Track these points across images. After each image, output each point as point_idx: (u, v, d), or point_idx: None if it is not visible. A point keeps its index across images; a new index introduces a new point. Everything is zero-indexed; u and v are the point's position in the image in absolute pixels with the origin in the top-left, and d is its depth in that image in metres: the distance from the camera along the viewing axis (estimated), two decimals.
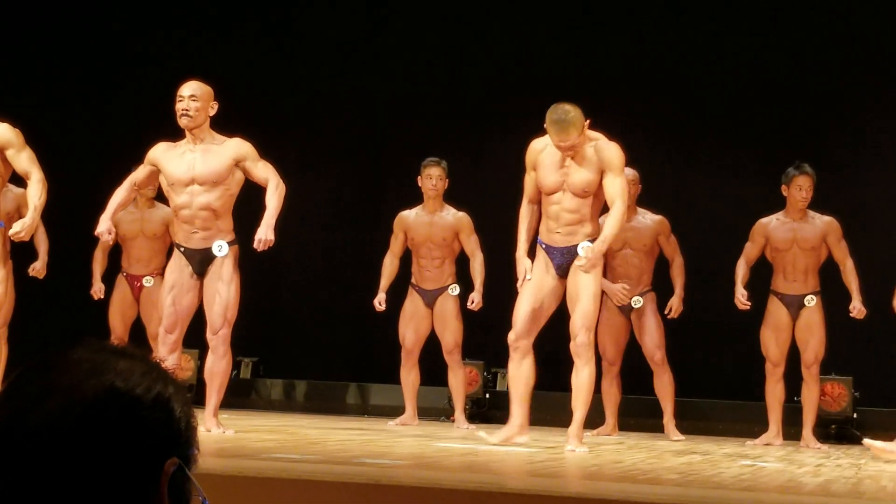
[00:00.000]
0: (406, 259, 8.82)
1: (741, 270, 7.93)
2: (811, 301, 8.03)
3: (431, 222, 8.66)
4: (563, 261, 6.50)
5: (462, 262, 8.72)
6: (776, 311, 8.03)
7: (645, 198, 8.45)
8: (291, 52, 10.65)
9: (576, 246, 6.47)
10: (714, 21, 9.94)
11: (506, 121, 9.51)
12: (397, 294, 8.78)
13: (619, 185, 6.41)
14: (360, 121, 10.48)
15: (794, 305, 8.04)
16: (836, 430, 8.98)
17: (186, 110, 6.66)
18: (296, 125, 10.57)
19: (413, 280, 8.79)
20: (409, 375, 8.76)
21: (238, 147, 6.78)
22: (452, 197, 8.71)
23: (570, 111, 6.31)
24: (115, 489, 1.25)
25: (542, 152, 6.54)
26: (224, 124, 6.95)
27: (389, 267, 8.75)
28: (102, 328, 8.59)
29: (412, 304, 8.74)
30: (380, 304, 8.67)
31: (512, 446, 6.41)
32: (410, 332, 8.71)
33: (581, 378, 6.42)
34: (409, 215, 8.74)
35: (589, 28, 10.19)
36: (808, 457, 6.61)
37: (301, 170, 9.92)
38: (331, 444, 6.22)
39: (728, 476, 5.44)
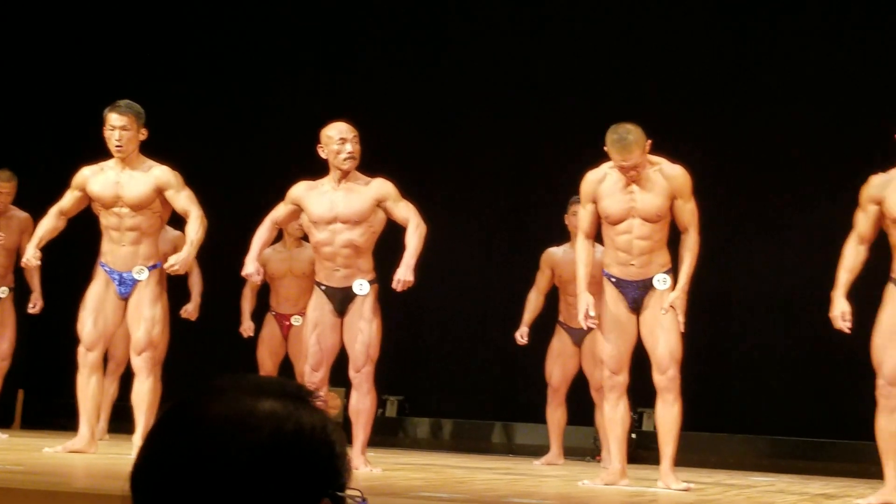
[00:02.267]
0: (553, 296, 8.80)
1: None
2: None
3: None
4: (638, 294, 6.41)
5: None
6: None
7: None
8: (439, 91, 10.73)
9: (651, 279, 6.39)
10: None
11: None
12: (544, 331, 8.77)
13: (691, 211, 6.33)
14: (506, 157, 10.50)
15: None
16: None
17: (351, 153, 6.76)
18: (439, 163, 10.63)
19: (561, 318, 8.76)
20: (556, 414, 8.73)
21: (381, 187, 6.85)
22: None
23: (630, 129, 6.24)
24: None
25: (601, 182, 6.43)
26: (369, 163, 7.04)
27: (534, 303, 8.74)
28: (251, 367, 8.73)
29: (560, 342, 8.71)
30: (521, 338, 8.66)
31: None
32: (558, 370, 8.68)
33: (673, 413, 6.33)
34: (557, 252, 8.73)
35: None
36: None
37: (445, 206, 9.97)
38: (478, 483, 6.23)
39: None
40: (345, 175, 6.80)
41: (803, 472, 8.86)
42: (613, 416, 6.44)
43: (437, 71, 10.82)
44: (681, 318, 6.26)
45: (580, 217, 6.64)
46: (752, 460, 9.31)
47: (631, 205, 6.35)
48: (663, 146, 6.54)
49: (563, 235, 8.76)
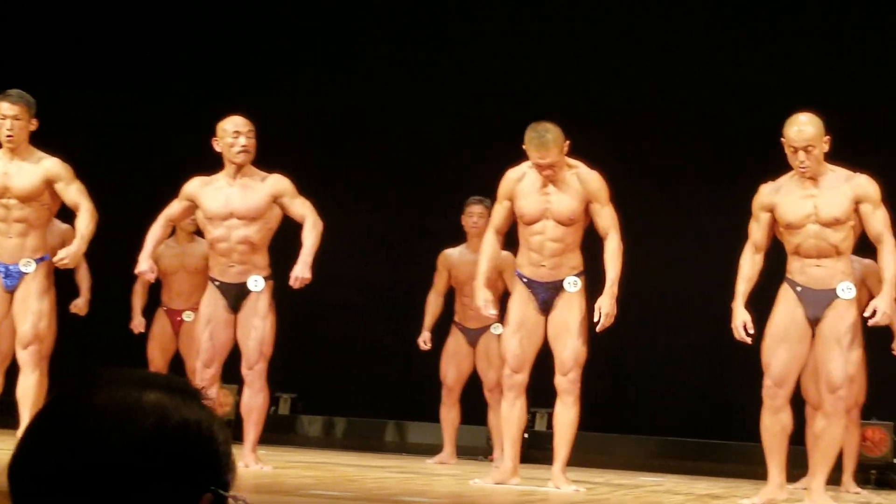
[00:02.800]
0: (449, 297, 8.82)
1: None
2: None
3: (475, 261, 8.61)
4: (548, 296, 6.44)
5: (506, 301, 8.70)
6: None
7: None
8: (335, 90, 10.70)
9: (561, 281, 6.42)
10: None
11: None
12: (440, 332, 8.78)
13: (609, 215, 6.39)
14: (404, 157, 10.50)
15: None
16: (877, 476, 8.89)
17: (245, 147, 6.70)
18: (338, 160, 10.60)
19: (456, 318, 8.78)
20: (450, 413, 8.75)
21: (277, 183, 6.81)
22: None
23: (549, 128, 6.30)
24: None
25: (520, 181, 6.47)
26: (266, 159, 6.99)
27: (433, 305, 8.75)
28: (142, 362, 8.62)
29: (455, 342, 8.74)
30: (425, 343, 8.67)
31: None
32: (452, 370, 8.70)
33: (571, 416, 6.38)
34: (452, 253, 8.75)
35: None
36: (848, 502, 6.54)
37: (343, 205, 9.94)
38: (369, 482, 6.22)
39: None
40: (239, 170, 6.74)
41: (691, 472, 8.98)
42: (510, 414, 6.47)
43: (338, 66, 10.78)
44: (605, 322, 6.29)
45: (494, 212, 6.64)
46: (641, 460, 9.41)
47: (546, 206, 6.39)
48: (578, 147, 6.58)
49: (462, 235, 8.78)
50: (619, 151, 9.23)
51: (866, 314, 5.93)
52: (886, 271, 5.91)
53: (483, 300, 6.46)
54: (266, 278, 6.80)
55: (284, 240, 7.08)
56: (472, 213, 8.66)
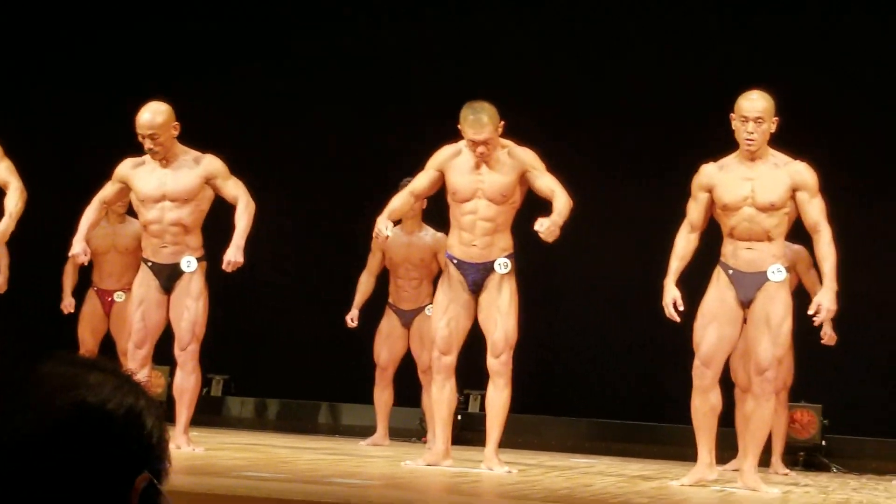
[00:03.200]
0: (383, 278, 8.81)
1: None
2: None
3: (410, 243, 8.66)
4: (478, 277, 6.45)
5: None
6: None
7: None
8: (268, 68, 10.64)
9: (492, 262, 6.43)
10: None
11: None
12: (373, 313, 8.77)
13: (550, 178, 6.36)
14: (339, 137, 10.47)
15: None
16: (805, 458, 9.01)
17: (151, 149, 6.67)
18: (272, 140, 10.55)
19: (390, 300, 8.78)
20: (383, 395, 8.75)
21: (209, 164, 6.78)
22: (431, 218, 8.69)
23: (485, 107, 6.32)
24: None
25: (455, 157, 6.46)
26: (200, 139, 6.95)
27: (365, 285, 8.74)
28: (72, 343, 8.55)
29: (388, 324, 8.73)
30: (352, 321, 8.67)
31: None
32: (385, 351, 8.71)
33: (503, 398, 6.40)
34: None
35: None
36: (777, 483, 6.62)
37: (277, 186, 9.90)
38: (301, 464, 6.21)
39: (699, 500, 5.45)
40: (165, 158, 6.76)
41: (623, 454, 9.05)
42: (440, 397, 6.48)
43: (272, 43, 10.73)
44: (550, 235, 6.20)
45: (418, 176, 6.61)
46: (574, 442, 9.47)
47: (478, 185, 6.39)
48: (513, 133, 6.59)
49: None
50: (554, 136, 9.26)
51: (810, 311, 6.00)
52: (825, 263, 5.96)
53: (382, 222, 6.34)
54: (199, 259, 6.78)
55: (218, 220, 7.04)
56: None
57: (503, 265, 6.40)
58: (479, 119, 6.27)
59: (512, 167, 6.38)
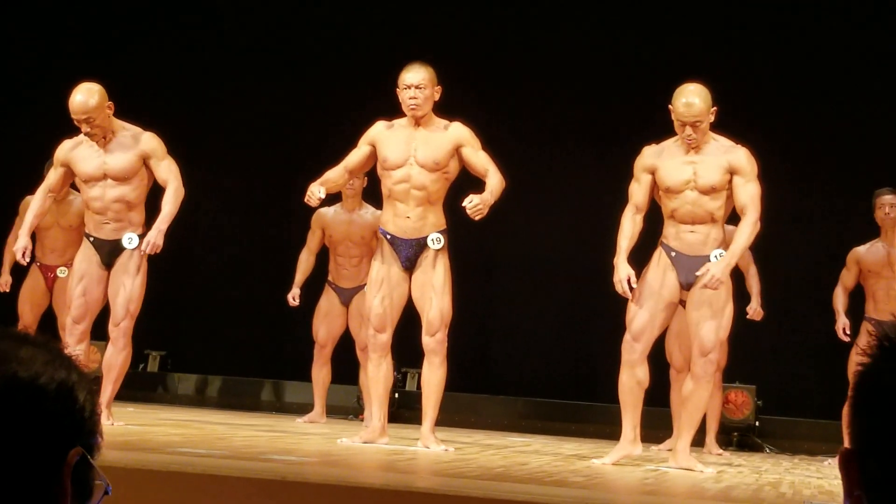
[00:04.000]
0: (323, 256, 8.80)
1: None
2: None
3: (350, 220, 8.66)
4: (412, 253, 6.43)
5: None
6: None
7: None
8: (206, 45, 10.59)
9: (425, 238, 6.41)
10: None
11: None
12: (313, 291, 8.77)
13: (484, 158, 6.37)
14: (278, 114, 10.44)
15: None
16: (738, 438, 9.12)
17: (89, 132, 6.65)
18: (211, 117, 10.50)
19: (330, 277, 8.78)
20: (321, 373, 8.76)
21: (147, 143, 6.78)
22: (373, 196, 8.68)
23: (426, 65, 6.36)
24: (17, 479, 1.24)
25: (385, 130, 6.46)
26: (135, 115, 6.92)
27: (305, 263, 8.74)
28: (11, 318, 8.49)
29: (328, 302, 8.73)
30: (293, 300, 8.67)
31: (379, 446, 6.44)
32: (324, 328, 8.71)
33: (439, 376, 6.43)
34: (327, 212, 8.72)
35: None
36: (710, 463, 6.70)
37: (216, 162, 9.87)
38: (238, 440, 6.20)
39: (633, 480, 5.50)
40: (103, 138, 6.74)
41: (559, 433, 9.12)
42: (376, 374, 6.49)
43: (207, 21, 10.66)
44: (478, 212, 6.22)
45: (351, 154, 6.58)
46: (510, 421, 9.53)
47: (411, 153, 6.38)
48: (454, 110, 6.60)
49: (337, 195, 8.75)
50: (491, 113, 9.29)
51: (698, 273, 6.03)
52: (736, 241, 6.01)
53: (315, 186, 6.37)
54: (141, 236, 6.76)
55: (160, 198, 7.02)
56: None
57: (436, 240, 6.40)
58: (417, 70, 6.34)
59: (447, 138, 6.40)
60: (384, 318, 6.43)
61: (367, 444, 6.38)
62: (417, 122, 6.40)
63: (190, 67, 10.52)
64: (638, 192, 6.18)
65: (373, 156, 6.50)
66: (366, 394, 8.48)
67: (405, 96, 6.36)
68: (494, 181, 6.28)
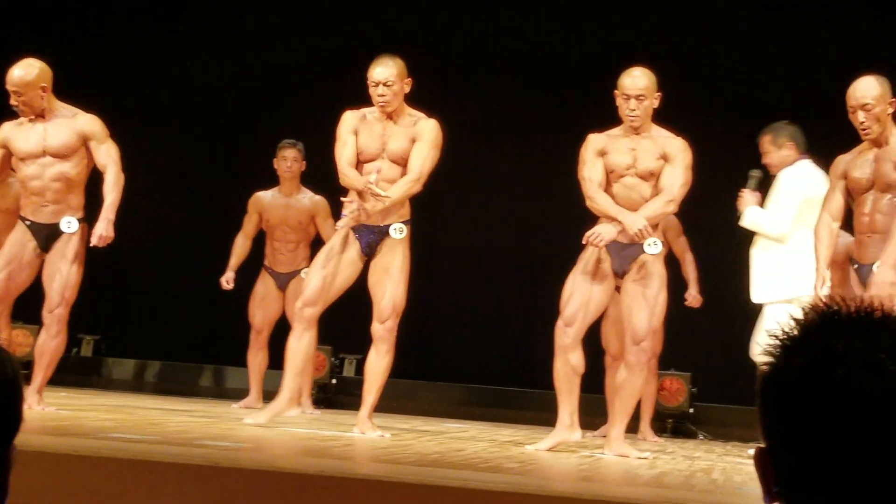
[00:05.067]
0: (259, 241, 8.76)
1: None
2: None
3: (287, 205, 8.62)
4: (373, 239, 6.43)
5: (316, 246, 8.68)
6: None
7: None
8: (148, 29, 10.49)
9: (388, 226, 6.44)
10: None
11: (365, 103, 9.50)
12: (249, 275, 8.72)
13: (423, 157, 6.36)
14: (216, 98, 10.36)
15: None
16: (673, 425, 9.18)
17: (16, 105, 6.58)
18: (150, 100, 10.41)
19: (266, 262, 8.74)
20: (257, 358, 8.72)
21: (87, 124, 6.73)
22: (312, 180, 8.65)
23: (395, 58, 6.37)
24: None
25: (361, 121, 6.47)
26: (73, 97, 6.85)
27: (241, 247, 8.71)
28: None
29: (264, 287, 8.70)
30: (227, 283, 8.63)
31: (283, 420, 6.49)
32: (260, 313, 8.68)
33: (384, 364, 6.42)
34: (264, 196, 8.69)
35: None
36: (645, 449, 6.73)
37: (153, 145, 9.79)
38: (171, 426, 6.16)
39: (568, 466, 5.52)
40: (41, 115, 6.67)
41: (496, 419, 9.13)
42: (296, 345, 6.44)
43: (152, 12, 10.58)
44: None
45: (343, 149, 6.52)
46: (448, 407, 9.54)
47: (384, 147, 6.39)
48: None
49: (275, 179, 8.71)
50: (433, 103, 9.28)
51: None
52: (649, 205, 6.06)
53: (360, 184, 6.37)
54: (80, 220, 6.69)
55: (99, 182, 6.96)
56: (286, 157, 8.61)
57: (399, 230, 6.40)
58: (384, 59, 6.34)
59: (412, 134, 6.40)
60: (320, 293, 6.40)
61: (275, 417, 6.38)
62: (389, 115, 6.40)
63: (128, 49, 10.42)
64: (595, 171, 6.18)
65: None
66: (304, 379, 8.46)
67: (374, 93, 6.35)
68: (400, 186, 6.29)
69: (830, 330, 1.32)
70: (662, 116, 6.30)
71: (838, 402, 1.28)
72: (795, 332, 1.33)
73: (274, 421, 6.43)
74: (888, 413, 1.28)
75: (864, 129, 5.98)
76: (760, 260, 7.21)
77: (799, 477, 1.29)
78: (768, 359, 1.34)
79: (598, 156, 6.21)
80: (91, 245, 6.61)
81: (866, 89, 5.96)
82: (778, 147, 7.33)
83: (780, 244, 7.09)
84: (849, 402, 1.28)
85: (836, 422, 1.28)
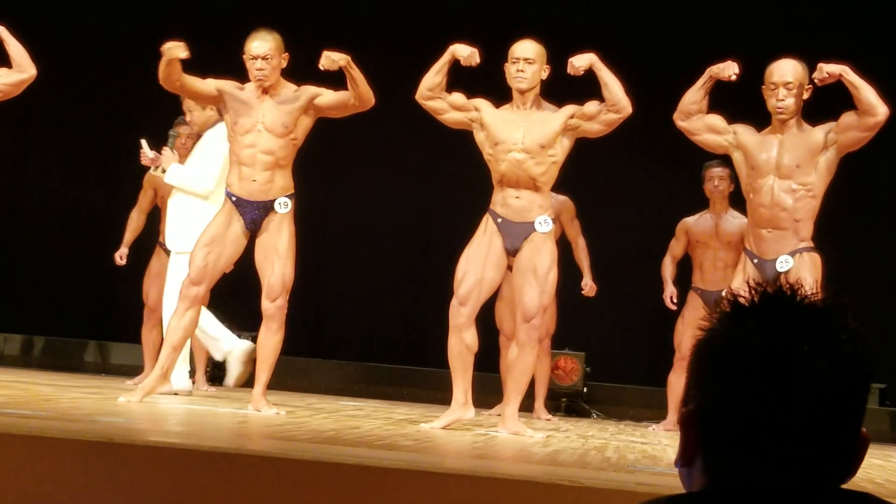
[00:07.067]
0: (154, 217, 8.68)
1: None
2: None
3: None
4: (257, 216, 6.40)
5: None
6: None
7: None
8: (41, 7, 10.32)
9: (272, 201, 6.42)
10: None
11: None
12: (143, 252, 8.64)
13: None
14: (111, 73, 10.23)
15: None
16: (567, 404, 9.29)
17: None
18: (41, 75, 10.23)
19: (160, 238, 8.66)
20: (151, 335, 8.64)
21: None
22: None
23: (273, 32, 6.35)
24: None
25: (238, 90, 6.42)
26: None
27: (135, 222, 8.62)
28: None
29: (158, 263, 8.61)
30: (120, 259, 8.55)
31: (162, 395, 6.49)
32: (154, 290, 8.59)
33: (275, 342, 6.40)
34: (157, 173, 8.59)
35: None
36: (539, 428, 6.81)
37: (44, 121, 9.64)
38: (64, 402, 6.09)
39: (462, 444, 5.56)
40: None
41: (391, 397, 9.16)
42: (178, 323, 6.38)
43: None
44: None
45: (197, 81, 6.49)
46: (343, 385, 9.54)
47: (259, 120, 6.34)
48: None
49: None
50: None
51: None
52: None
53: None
54: None
55: None
56: (181, 135, 8.52)
57: (283, 204, 6.36)
58: (261, 33, 6.30)
59: (298, 103, 6.37)
60: (204, 272, 6.35)
61: (148, 395, 6.34)
62: (265, 90, 6.35)
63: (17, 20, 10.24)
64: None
65: (213, 99, 6.43)
66: (197, 355, 8.42)
67: (252, 66, 6.31)
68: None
69: (788, 305, 1.34)
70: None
71: (790, 376, 1.30)
72: (755, 300, 1.34)
73: (150, 398, 6.37)
74: (833, 394, 1.31)
75: (780, 109, 6.05)
76: (176, 211, 7.46)
77: (724, 442, 1.32)
78: (705, 324, 1.36)
79: (479, 124, 6.26)
80: None
81: (790, 69, 6.04)
82: (203, 107, 7.50)
83: (205, 201, 7.28)
84: (801, 378, 1.30)
85: (781, 395, 1.30)
